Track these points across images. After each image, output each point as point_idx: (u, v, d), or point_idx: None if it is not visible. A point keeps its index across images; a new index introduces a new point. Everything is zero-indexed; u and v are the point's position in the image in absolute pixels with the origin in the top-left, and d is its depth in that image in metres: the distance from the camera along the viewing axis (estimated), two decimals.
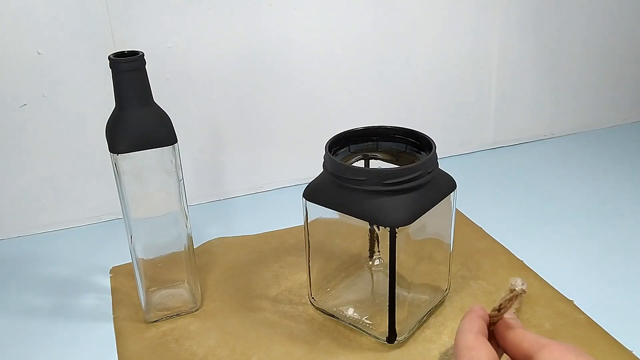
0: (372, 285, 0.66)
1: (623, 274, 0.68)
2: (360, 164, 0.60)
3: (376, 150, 0.61)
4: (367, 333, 0.59)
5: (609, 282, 0.66)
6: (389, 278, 0.54)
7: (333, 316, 0.61)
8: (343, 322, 0.61)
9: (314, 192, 0.57)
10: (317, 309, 0.63)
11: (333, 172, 0.54)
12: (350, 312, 0.61)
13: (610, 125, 1.11)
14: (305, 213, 0.58)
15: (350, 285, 0.65)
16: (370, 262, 0.67)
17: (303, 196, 0.57)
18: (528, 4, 0.95)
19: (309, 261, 0.61)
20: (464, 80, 0.97)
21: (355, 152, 0.60)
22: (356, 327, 0.60)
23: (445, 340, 0.58)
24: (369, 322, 0.59)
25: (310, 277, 0.62)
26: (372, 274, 0.66)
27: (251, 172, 0.90)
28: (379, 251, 0.66)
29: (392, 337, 0.57)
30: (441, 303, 0.63)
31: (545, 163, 0.98)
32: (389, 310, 0.55)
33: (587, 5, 0.99)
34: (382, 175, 0.51)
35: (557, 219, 0.80)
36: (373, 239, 0.65)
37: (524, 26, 0.97)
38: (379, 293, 0.63)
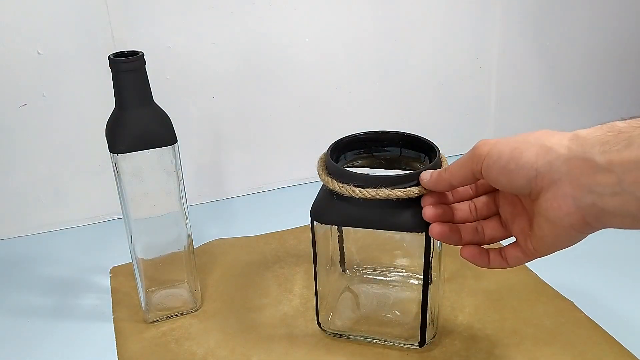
0: (375, 299, 0.63)
1: (623, 274, 0.68)
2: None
3: (381, 155, 0.59)
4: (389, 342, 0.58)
5: (609, 282, 0.66)
6: (423, 281, 0.53)
7: (346, 336, 0.59)
8: (357, 340, 0.58)
9: (322, 211, 0.53)
10: (327, 333, 0.59)
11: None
12: (363, 329, 0.59)
13: None
14: (312, 233, 0.54)
15: (349, 302, 0.63)
16: (350, 273, 0.65)
17: (310, 215, 0.53)
18: (528, 3, 0.95)
19: (316, 281, 0.57)
20: (464, 80, 0.97)
21: (358, 158, 0.58)
22: (371, 339, 0.58)
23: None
24: (382, 340, 0.58)
25: (317, 300, 0.58)
26: (367, 286, 0.65)
27: (251, 172, 0.90)
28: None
29: (422, 340, 0.55)
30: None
31: None
32: (421, 314, 0.54)
33: (588, 5, 0.99)
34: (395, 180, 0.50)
35: None
36: (343, 247, 0.62)
37: (524, 26, 0.97)
38: (385, 303, 0.62)
